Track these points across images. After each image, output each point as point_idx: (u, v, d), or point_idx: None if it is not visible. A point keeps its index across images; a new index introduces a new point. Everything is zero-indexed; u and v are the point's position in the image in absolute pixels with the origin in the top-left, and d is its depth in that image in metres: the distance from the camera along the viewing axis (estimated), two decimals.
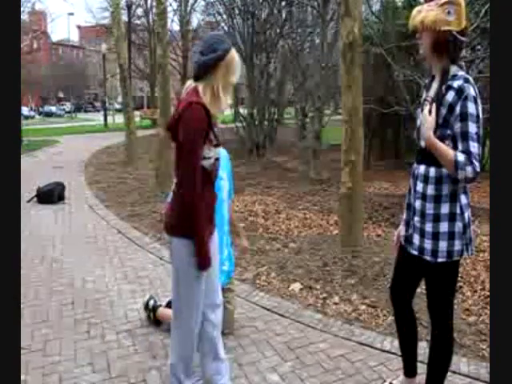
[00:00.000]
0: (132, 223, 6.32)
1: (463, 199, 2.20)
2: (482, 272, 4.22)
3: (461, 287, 3.97)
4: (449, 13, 2.08)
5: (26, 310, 3.72)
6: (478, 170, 2.04)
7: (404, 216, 2.45)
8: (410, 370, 2.60)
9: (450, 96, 2.10)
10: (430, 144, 2.13)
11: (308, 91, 10.72)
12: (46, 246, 5.37)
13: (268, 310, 3.66)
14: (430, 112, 2.15)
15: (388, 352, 3.04)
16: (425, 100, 2.27)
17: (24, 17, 22.06)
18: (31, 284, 4.24)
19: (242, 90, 15.86)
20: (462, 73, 2.14)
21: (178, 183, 2.23)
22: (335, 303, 3.76)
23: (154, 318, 3.41)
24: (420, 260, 2.29)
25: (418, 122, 2.28)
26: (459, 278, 4.11)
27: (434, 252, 2.20)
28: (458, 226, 2.18)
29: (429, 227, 2.21)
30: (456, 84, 2.10)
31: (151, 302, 3.45)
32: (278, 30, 13.28)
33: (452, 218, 2.18)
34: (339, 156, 5.25)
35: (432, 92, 2.23)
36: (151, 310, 3.42)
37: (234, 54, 2.21)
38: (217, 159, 2.27)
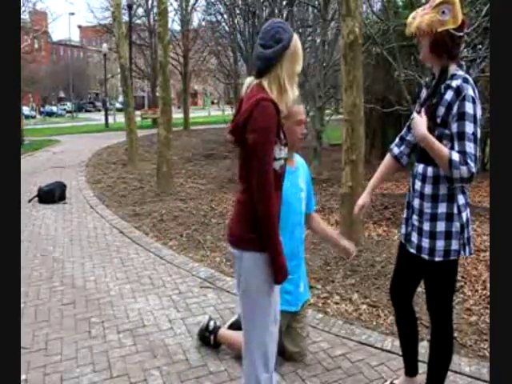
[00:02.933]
0: (133, 223, 6.32)
1: (461, 199, 2.20)
2: (482, 272, 4.22)
3: (462, 287, 3.97)
4: (443, 13, 2.10)
5: (26, 309, 3.72)
6: (474, 170, 2.04)
7: (404, 215, 2.45)
8: (410, 370, 2.61)
9: (449, 95, 2.11)
10: (426, 142, 2.13)
11: (309, 91, 10.70)
12: (47, 246, 5.38)
13: None
14: (419, 113, 2.19)
15: (389, 352, 3.03)
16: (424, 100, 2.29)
17: (25, 16, 22.02)
18: (32, 284, 4.25)
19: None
20: (461, 72, 2.15)
21: (248, 189, 1.98)
22: (336, 303, 3.75)
23: (214, 341, 3.09)
24: (418, 259, 2.30)
25: None
26: (460, 278, 4.12)
27: (431, 251, 2.22)
28: (456, 225, 2.19)
29: (426, 226, 2.23)
30: (454, 83, 2.11)
31: (212, 324, 3.13)
32: None
33: (449, 217, 2.19)
34: (340, 156, 5.25)
35: (429, 91, 2.26)
36: (211, 332, 3.10)
37: (296, 40, 2.00)
38: (285, 159, 2.07)
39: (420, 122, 2.14)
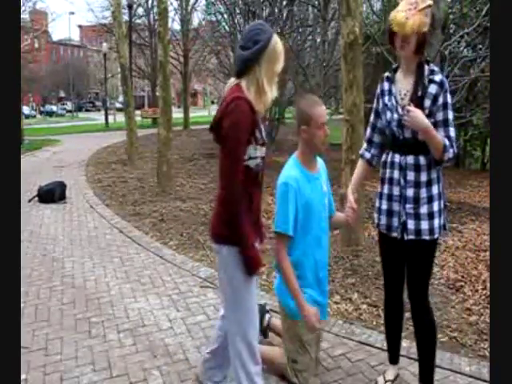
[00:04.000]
0: (133, 222, 6.32)
1: (442, 180, 2.48)
2: (483, 272, 4.22)
3: (462, 287, 3.97)
4: (427, 15, 2.29)
5: (26, 309, 3.72)
6: (456, 151, 2.35)
7: (384, 206, 2.51)
8: (395, 358, 2.75)
9: (433, 89, 2.31)
10: (428, 132, 2.26)
11: (309, 90, 10.71)
12: (47, 246, 5.38)
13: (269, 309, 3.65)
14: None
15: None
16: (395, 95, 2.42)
17: (25, 16, 22.03)
18: (32, 283, 4.25)
19: None
20: (437, 68, 2.38)
21: (220, 185, 2.06)
22: (336, 302, 3.75)
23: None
24: (413, 243, 2.40)
25: (395, 115, 2.37)
26: (460, 278, 4.14)
27: (431, 230, 2.39)
28: (442, 203, 2.45)
29: (424, 209, 2.38)
30: (438, 78, 2.32)
31: (267, 317, 3.05)
32: (278, 30, 13.26)
33: (439, 196, 2.42)
34: (340, 155, 5.25)
35: (405, 86, 2.38)
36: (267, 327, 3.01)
37: (276, 40, 2.05)
38: (263, 158, 2.12)
39: (420, 114, 2.25)
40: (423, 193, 2.38)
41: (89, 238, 5.69)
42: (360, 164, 2.72)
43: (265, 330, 3.03)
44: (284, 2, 13.25)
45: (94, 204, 7.55)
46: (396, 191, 2.44)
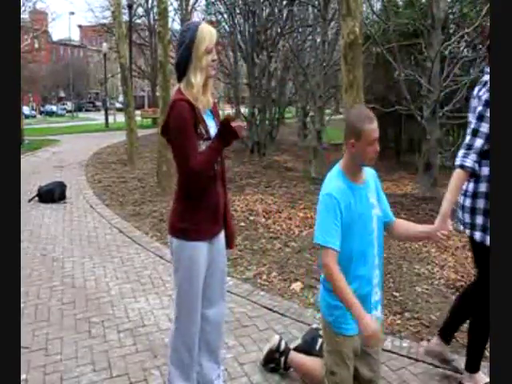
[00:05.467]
0: (133, 222, 6.32)
1: None
2: None
3: (462, 286, 3.96)
4: None
5: (26, 309, 3.72)
6: None
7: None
8: (448, 336, 2.86)
9: None
10: None
11: (309, 90, 10.72)
12: (47, 246, 5.38)
13: (269, 309, 3.66)
14: None
15: (388, 351, 3.03)
16: None
17: (25, 16, 22.03)
18: (32, 283, 4.25)
19: (243, 89, 15.88)
20: None
21: (178, 182, 2.24)
22: None
23: (284, 364, 2.84)
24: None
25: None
26: (460, 278, 4.13)
27: None
28: None
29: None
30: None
31: (283, 344, 2.88)
32: (279, 29, 13.28)
33: None
34: (340, 155, 5.25)
35: None
36: (283, 353, 2.85)
37: (202, 34, 2.09)
38: None
39: None
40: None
41: (89, 237, 5.70)
42: (464, 179, 2.46)
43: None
44: (284, 2, 13.27)
45: (93, 204, 7.55)
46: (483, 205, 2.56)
